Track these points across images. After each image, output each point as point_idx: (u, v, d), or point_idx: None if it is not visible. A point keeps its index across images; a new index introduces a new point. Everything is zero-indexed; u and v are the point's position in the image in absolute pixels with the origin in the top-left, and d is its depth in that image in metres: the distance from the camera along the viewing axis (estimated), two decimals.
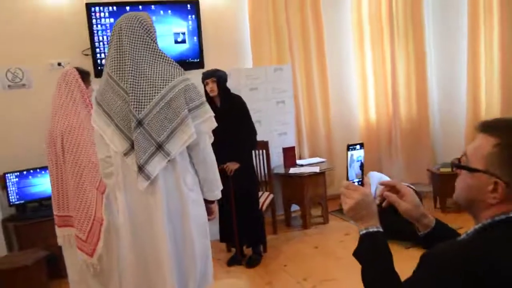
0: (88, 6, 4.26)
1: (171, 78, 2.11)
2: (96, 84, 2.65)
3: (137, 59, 2.09)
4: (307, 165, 4.80)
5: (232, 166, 3.70)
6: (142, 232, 2.18)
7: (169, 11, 4.54)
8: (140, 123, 2.07)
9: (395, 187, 1.41)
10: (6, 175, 3.95)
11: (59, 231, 2.69)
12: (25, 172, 4.01)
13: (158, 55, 2.15)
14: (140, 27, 2.13)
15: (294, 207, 4.82)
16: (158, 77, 2.10)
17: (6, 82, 4.15)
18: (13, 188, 3.98)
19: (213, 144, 3.64)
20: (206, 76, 3.70)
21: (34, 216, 3.87)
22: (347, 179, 1.24)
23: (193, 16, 4.63)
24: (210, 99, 3.76)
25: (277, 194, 4.81)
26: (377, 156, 5.42)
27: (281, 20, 4.99)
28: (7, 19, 4.14)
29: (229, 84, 3.93)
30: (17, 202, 3.99)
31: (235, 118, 3.74)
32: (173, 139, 2.10)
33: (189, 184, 2.21)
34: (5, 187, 3.97)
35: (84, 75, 2.69)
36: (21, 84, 4.20)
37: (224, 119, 3.68)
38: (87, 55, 4.32)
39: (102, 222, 2.51)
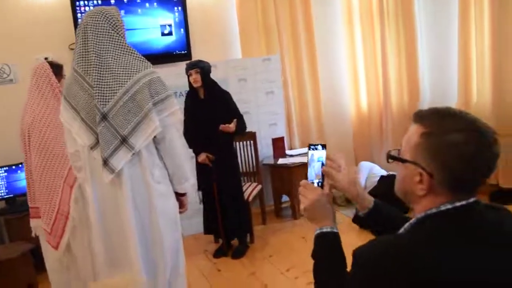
0: (73, 1, 4.27)
1: (136, 71, 2.12)
2: None
3: (102, 53, 2.11)
4: (297, 155, 4.79)
5: (232, 125, 3.64)
6: (110, 223, 2.22)
7: (155, 3, 4.54)
8: (104, 116, 2.09)
9: (336, 162, 1.37)
10: None
11: (31, 222, 2.73)
12: (14, 167, 4.07)
13: (124, 48, 2.16)
14: (105, 21, 2.14)
15: (286, 198, 4.83)
16: (122, 71, 2.11)
17: None
18: (3, 182, 4.04)
19: (196, 135, 3.71)
20: (189, 67, 3.70)
21: (24, 209, 3.89)
22: (306, 178, 1.25)
23: (180, 8, 4.62)
24: (194, 90, 3.77)
25: (267, 185, 4.82)
26: (368, 145, 5.39)
27: (269, 10, 4.96)
28: None
29: (217, 75, 3.92)
30: (6, 196, 4.06)
31: (219, 110, 3.73)
32: (137, 132, 2.12)
33: (157, 177, 2.22)
34: None
35: (56, 68, 2.68)
36: (8, 79, 4.24)
37: (208, 110, 3.72)
38: (73, 49, 4.32)
39: (68, 215, 2.54)
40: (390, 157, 1.18)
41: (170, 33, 4.64)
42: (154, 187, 2.20)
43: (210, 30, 4.90)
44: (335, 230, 1.28)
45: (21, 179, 4.05)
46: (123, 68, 2.11)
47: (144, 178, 2.18)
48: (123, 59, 2.14)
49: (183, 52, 4.70)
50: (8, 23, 4.21)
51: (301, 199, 1.35)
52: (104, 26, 2.14)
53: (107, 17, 2.16)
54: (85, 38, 2.13)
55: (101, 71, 2.10)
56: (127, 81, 2.10)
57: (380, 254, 1.04)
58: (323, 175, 1.37)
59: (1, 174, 4.03)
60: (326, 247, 1.28)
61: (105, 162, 2.10)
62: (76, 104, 2.15)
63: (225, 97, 3.82)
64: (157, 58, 4.38)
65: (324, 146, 1.38)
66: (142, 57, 2.20)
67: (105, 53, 2.11)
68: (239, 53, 5.03)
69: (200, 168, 3.81)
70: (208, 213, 3.89)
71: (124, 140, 2.11)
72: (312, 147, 1.38)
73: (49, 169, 2.53)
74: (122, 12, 4.39)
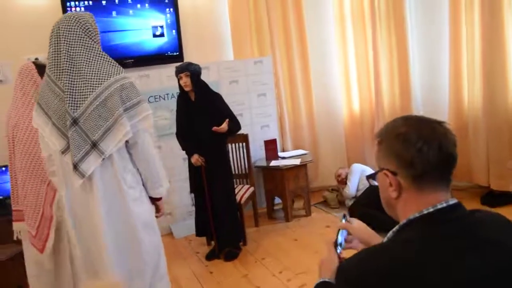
0: (64, 1, 4.24)
1: (107, 77, 2.11)
2: None
3: (74, 58, 2.10)
4: (289, 157, 4.79)
5: (225, 125, 3.64)
6: (84, 228, 2.21)
7: (146, 5, 4.52)
8: (75, 121, 2.09)
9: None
10: None
11: (14, 225, 2.68)
12: (3, 168, 4.01)
13: (96, 54, 2.15)
14: (78, 26, 2.12)
15: (278, 200, 4.82)
16: (94, 76, 2.10)
17: None
18: None
19: (188, 137, 3.69)
20: (179, 71, 3.67)
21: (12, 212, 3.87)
22: (336, 239, 1.39)
23: (171, 9, 4.61)
24: (185, 93, 3.75)
25: (259, 187, 4.81)
26: (361, 148, 5.41)
27: (261, 12, 4.96)
28: None
29: (209, 77, 3.90)
30: None
31: (210, 112, 3.71)
32: (108, 137, 2.11)
33: (129, 182, 2.21)
34: None
35: (41, 68, 2.62)
36: None
37: (199, 112, 3.70)
38: None
39: (52, 219, 2.51)
40: (367, 177, 1.31)
41: (162, 35, 4.62)
42: (127, 192, 2.19)
43: (202, 32, 4.90)
44: (331, 281, 1.32)
45: (9, 181, 3.99)
46: (95, 74, 2.11)
47: (117, 183, 2.17)
48: (95, 64, 2.13)
49: (175, 53, 4.69)
50: None
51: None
52: (77, 32, 2.12)
53: (81, 23, 2.14)
54: (57, 43, 2.11)
55: (72, 76, 2.09)
56: (98, 86, 2.09)
57: (361, 269, 1.05)
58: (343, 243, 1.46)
59: None
60: None
61: (75, 167, 2.10)
62: (48, 109, 2.15)
63: (216, 99, 3.80)
64: (149, 59, 4.37)
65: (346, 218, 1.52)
66: (115, 62, 2.19)
67: (77, 58, 2.10)
68: (231, 55, 5.03)
69: (192, 170, 3.79)
70: (200, 216, 3.86)
71: (94, 145, 2.11)
72: (344, 217, 1.51)
73: (33, 172, 2.49)
74: (114, 13, 4.37)
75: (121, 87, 2.12)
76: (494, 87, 4.29)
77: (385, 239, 1.14)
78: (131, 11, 4.44)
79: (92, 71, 2.11)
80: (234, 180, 4.17)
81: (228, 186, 3.86)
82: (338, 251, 1.41)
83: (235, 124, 3.79)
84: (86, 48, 2.12)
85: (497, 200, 4.24)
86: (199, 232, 3.95)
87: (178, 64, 3.76)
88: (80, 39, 2.12)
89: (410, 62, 4.88)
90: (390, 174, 1.13)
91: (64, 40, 2.09)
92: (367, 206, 3.95)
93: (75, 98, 2.08)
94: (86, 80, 2.09)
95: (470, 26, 4.42)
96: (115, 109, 2.09)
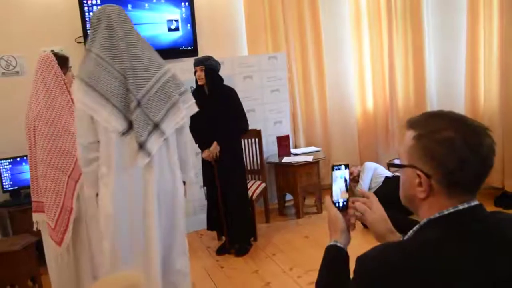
0: None
1: (161, 65, 2.29)
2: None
3: (130, 44, 2.22)
4: (301, 154, 4.77)
5: (214, 149, 3.70)
6: (130, 207, 2.27)
7: None
8: (139, 103, 2.18)
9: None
10: (0, 161, 4.01)
11: (33, 216, 2.71)
12: (18, 159, 4.06)
13: (146, 43, 2.33)
14: (126, 16, 2.30)
15: (289, 197, 4.82)
16: (150, 63, 2.25)
17: (0, 70, 4.19)
18: (7, 175, 4.04)
19: (200, 131, 3.70)
20: (196, 63, 3.69)
21: (27, 202, 3.89)
22: (331, 196, 1.30)
23: (187, 3, 4.60)
24: (200, 87, 3.75)
25: (271, 183, 4.81)
26: (374, 146, 5.38)
27: (276, 7, 4.94)
28: (0, 8, 4.16)
29: (223, 72, 3.90)
30: (10, 188, 4.06)
31: (223, 108, 3.71)
32: (167, 119, 2.26)
33: (177, 163, 2.39)
34: None
35: (61, 60, 2.65)
36: (15, 71, 4.24)
37: (212, 107, 3.70)
38: (80, 42, 4.33)
39: (71, 211, 2.52)
40: (390, 165, 1.23)
41: (176, 29, 4.62)
42: (175, 172, 2.36)
43: (217, 27, 4.89)
44: (338, 245, 1.32)
45: (25, 172, 4.04)
46: (151, 61, 2.26)
47: (169, 163, 2.33)
48: (149, 53, 2.29)
49: (189, 48, 4.68)
50: (15, 16, 4.20)
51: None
52: (128, 21, 2.28)
53: (126, 14, 2.31)
54: (110, 28, 2.21)
55: (132, 61, 2.20)
56: (156, 72, 2.25)
57: (381, 262, 1.04)
58: (347, 192, 1.40)
59: (5, 166, 4.02)
60: (326, 259, 1.32)
61: (141, 146, 2.18)
62: (106, 91, 2.16)
63: (230, 94, 3.80)
64: (164, 53, 4.25)
65: (346, 166, 1.42)
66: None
67: (133, 44, 2.23)
68: (245, 50, 5.02)
69: (205, 165, 3.80)
70: (212, 210, 3.88)
71: (156, 126, 2.23)
72: (335, 167, 1.40)
73: (54, 164, 2.51)
74: (129, 6, 4.38)
75: (173, 75, 2.30)
76: None
77: (405, 237, 1.13)
78: (146, 5, 4.44)
79: (149, 58, 2.25)
80: (246, 176, 4.18)
81: (241, 181, 3.87)
82: (339, 205, 1.38)
83: (241, 125, 3.82)
84: (139, 37, 2.29)
85: (511, 202, 4.18)
86: (211, 226, 3.96)
87: (197, 57, 3.78)
88: (132, 28, 2.28)
89: (426, 59, 4.83)
90: (423, 175, 1.08)
91: (119, 27, 2.22)
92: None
93: (137, 81, 2.18)
94: (145, 66, 2.22)
95: (488, 22, 4.36)
96: (172, 94, 2.26)
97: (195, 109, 2.41)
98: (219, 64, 3.76)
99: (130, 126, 2.19)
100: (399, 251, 1.04)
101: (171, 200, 2.35)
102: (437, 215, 1.07)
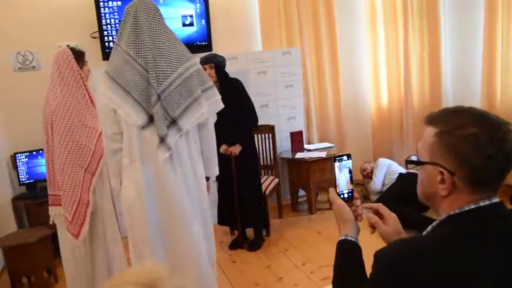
0: None
1: (186, 59, 2.27)
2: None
3: (155, 38, 2.22)
4: (314, 150, 4.76)
5: (235, 150, 3.70)
6: (159, 203, 2.30)
7: None
8: (159, 97, 2.19)
9: (378, 211, 1.39)
10: (16, 155, 4.08)
11: (50, 209, 2.75)
12: (34, 152, 4.12)
13: (174, 37, 2.31)
14: (155, 10, 2.28)
15: (302, 192, 4.81)
16: (174, 57, 2.23)
17: (17, 65, 4.25)
18: (23, 168, 4.10)
19: (215, 127, 3.71)
20: (203, 62, 3.68)
21: (43, 195, 3.95)
22: (335, 187, 1.31)
23: None
24: None
25: (284, 178, 4.81)
26: (388, 142, 5.33)
27: (291, 3, 4.92)
28: (17, 3, 4.21)
29: (237, 67, 3.90)
30: (27, 181, 4.12)
31: (234, 102, 3.72)
32: (186, 115, 2.24)
33: (198, 159, 2.40)
34: (15, 167, 4.10)
35: (77, 54, 2.67)
36: (31, 66, 4.29)
37: (224, 103, 3.71)
38: (95, 37, 4.37)
39: (88, 204, 2.55)
40: (408, 162, 1.21)
41: (191, 24, 4.63)
42: (198, 169, 2.38)
43: (231, 22, 4.89)
44: (348, 238, 1.31)
45: (42, 165, 4.10)
46: (175, 55, 2.24)
47: (190, 159, 2.33)
48: (175, 46, 2.26)
49: (203, 43, 4.69)
50: (31, 11, 4.24)
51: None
52: (156, 16, 2.26)
53: (156, 7, 2.30)
54: (135, 22, 2.22)
55: (155, 55, 2.20)
56: (179, 67, 2.23)
57: (401, 257, 1.03)
58: (352, 183, 1.41)
59: (22, 160, 4.08)
60: (338, 254, 1.32)
61: (162, 140, 2.19)
62: (127, 84, 2.20)
63: (239, 88, 3.80)
64: None
65: (349, 156, 1.42)
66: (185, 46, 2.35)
67: (158, 38, 2.22)
68: (259, 45, 5.01)
69: (219, 160, 3.81)
70: (224, 204, 3.89)
71: (173, 121, 2.22)
72: (337, 159, 1.40)
73: (71, 158, 2.53)
74: None
75: (198, 70, 2.29)
76: None
77: (424, 233, 1.11)
78: (161, 0, 4.46)
79: (173, 52, 2.23)
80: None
81: (254, 176, 3.88)
82: (344, 197, 1.38)
83: (252, 120, 3.83)
84: (165, 31, 2.27)
85: None
86: (222, 221, 3.98)
87: (203, 54, 3.78)
88: (160, 22, 2.26)
89: (442, 56, 4.78)
90: (447, 172, 1.05)
91: (145, 21, 2.21)
92: (394, 203, 3.90)
93: (158, 75, 2.18)
94: (168, 60, 2.21)
95: (506, 20, 4.30)
96: (194, 90, 2.24)
97: (220, 105, 2.41)
98: (225, 60, 3.78)
99: (151, 120, 2.20)
100: (418, 246, 1.04)
101: (197, 195, 2.37)
102: (457, 211, 1.06)
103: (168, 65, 2.19)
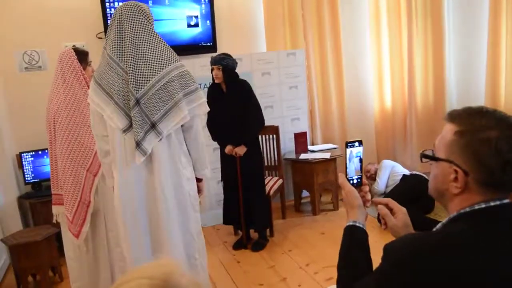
0: None
1: (168, 63, 2.25)
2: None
3: (137, 42, 2.22)
4: (318, 151, 4.77)
5: (240, 151, 3.72)
6: (139, 205, 2.31)
7: None
8: (137, 101, 2.19)
9: (388, 205, 1.40)
10: (22, 154, 4.10)
11: (53, 208, 2.77)
12: (40, 152, 4.14)
13: (158, 40, 2.29)
14: (140, 13, 2.27)
15: (306, 193, 4.82)
16: (156, 61, 2.23)
17: (23, 65, 4.28)
18: (29, 167, 4.12)
19: (220, 128, 3.74)
20: (212, 62, 3.69)
21: (48, 194, 3.95)
22: (346, 174, 1.33)
23: (206, 0, 4.63)
24: (216, 84, 3.78)
25: (287, 179, 4.82)
26: (392, 144, 5.34)
27: (295, 4, 4.93)
28: (23, 4, 4.24)
29: (242, 68, 3.91)
30: (32, 181, 4.14)
31: (241, 103, 3.74)
32: (166, 119, 2.24)
33: (183, 162, 2.37)
34: (21, 166, 4.12)
35: (81, 55, 2.69)
36: (37, 66, 4.32)
37: (231, 104, 3.73)
38: (101, 38, 4.39)
39: (89, 204, 2.57)
40: (423, 156, 1.20)
41: (196, 25, 4.65)
42: (182, 171, 2.35)
43: (236, 23, 4.90)
44: (356, 224, 1.33)
45: (47, 164, 4.12)
46: (157, 58, 2.23)
47: (173, 162, 2.32)
48: (157, 49, 2.25)
49: (208, 44, 4.71)
50: (38, 11, 4.27)
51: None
52: (138, 17, 2.26)
53: (142, 10, 2.29)
54: (120, 27, 2.24)
55: (135, 58, 2.20)
56: (160, 71, 2.21)
57: (410, 252, 1.04)
58: (361, 169, 1.42)
59: (27, 159, 4.11)
60: (345, 238, 1.34)
61: (138, 145, 2.21)
62: (110, 89, 2.23)
63: (246, 90, 3.80)
64: (183, 49, 4.40)
65: (360, 143, 1.43)
66: (171, 48, 2.33)
67: (140, 42, 2.22)
68: (264, 46, 5.03)
69: (224, 160, 3.84)
70: (229, 204, 3.91)
71: (153, 126, 2.22)
72: (349, 144, 1.41)
73: (73, 158, 2.56)
74: (150, 2, 4.42)
75: (180, 74, 2.26)
76: None
77: (434, 229, 1.12)
78: (167, 1, 4.48)
79: (155, 55, 2.23)
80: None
81: (259, 177, 3.90)
82: (353, 182, 1.39)
83: (259, 121, 3.83)
84: (149, 34, 2.26)
85: None
86: (227, 220, 3.99)
87: (215, 54, 3.79)
88: (143, 25, 2.25)
89: (445, 58, 4.79)
90: (461, 172, 1.06)
91: (128, 25, 2.22)
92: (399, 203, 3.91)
93: (138, 79, 2.19)
94: (149, 64, 2.21)
95: (510, 21, 4.30)
96: (175, 94, 2.23)
97: (204, 108, 2.36)
98: (236, 63, 3.76)
99: (132, 124, 2.22)
100: (428, 242, 1.04)
101: (177, 198, 2.34)
102: (467, 209, 1.06)
103: (148, 69, 2.19)
